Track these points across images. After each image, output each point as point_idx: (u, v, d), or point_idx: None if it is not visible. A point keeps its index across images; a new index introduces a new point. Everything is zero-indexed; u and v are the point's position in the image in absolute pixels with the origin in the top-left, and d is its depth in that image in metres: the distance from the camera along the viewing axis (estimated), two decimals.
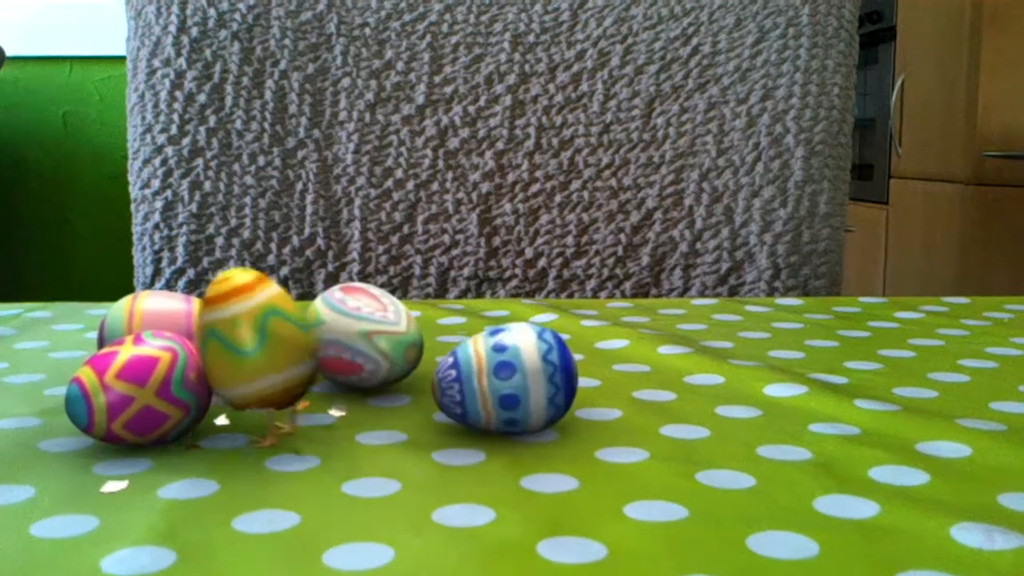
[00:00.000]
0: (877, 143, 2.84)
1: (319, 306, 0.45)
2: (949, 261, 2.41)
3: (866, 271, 2.91)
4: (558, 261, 0.88)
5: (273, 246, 0.85)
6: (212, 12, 0.85)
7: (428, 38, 0.87)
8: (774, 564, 0.28)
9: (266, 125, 0.86)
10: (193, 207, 0.85)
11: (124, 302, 0.47)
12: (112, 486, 0.34)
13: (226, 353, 0.36)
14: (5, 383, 0.48)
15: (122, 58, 2.22)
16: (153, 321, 0.46)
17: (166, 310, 0.47)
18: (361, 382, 0.45)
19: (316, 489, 0.34)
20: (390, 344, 0.44)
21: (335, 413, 0.43)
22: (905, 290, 2.64)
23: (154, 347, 0.37)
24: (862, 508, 0.32)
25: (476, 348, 0.39)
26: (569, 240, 0.87)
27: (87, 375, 0.36)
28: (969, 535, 0.30)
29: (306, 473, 0.35)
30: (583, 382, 0.48)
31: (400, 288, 0.87)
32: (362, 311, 0.45)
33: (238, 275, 0.36)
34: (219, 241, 0.85)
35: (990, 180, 2.31)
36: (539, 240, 0.88)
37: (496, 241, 0.87)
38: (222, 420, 0.42)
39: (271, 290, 0.36)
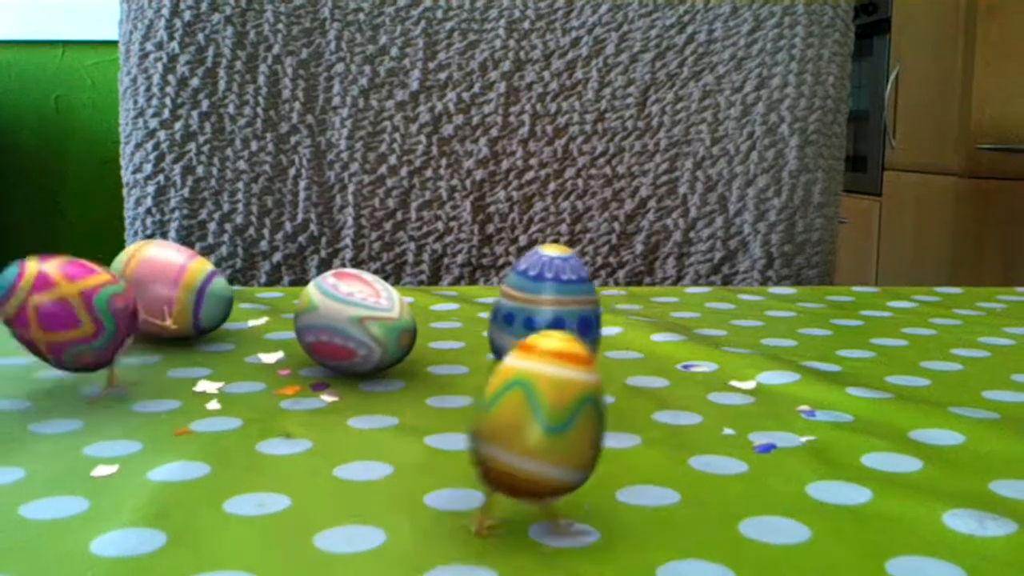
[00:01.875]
0: (871, 135, 2.84)
1: (312, 291, 0.45)
2: (942, 253, 2.41)
3: (859, 262, 2.91)
4: None
5: (266, 232, 0.85)
6: None
7: (423, 24, 0.87)
8: (766, 548, 0.28)
9: (259, 110, 0.85)
10: (185, 192, 0.84)
11: (131, 247, 0.49)
12: (102, 470, 0.34)
13: (526, 412, 0.28)
14: None
15: (114, 42, 2.21)
16: (147, 267, 0.48)
17: (161, 259, 0.48)
18: (354, 367, 0.45)
19: (307, 472, 0.34)
20: (383, 330, 0.44)
21: (327, 398, 0.43)
22: (898, 282, 2.64)
23: (101, 270, 0.40)
24: (854, 494, 0.32)
25: None
26: (563, 228, 0.87)
27: (33, 261, 0.38)
28: (961, 521, 0.30)
29: (297, 456, 0.35)
30: None
31: (393, 275, 0.87)
32: (355, 297, 0.45)
33: (571, 340, 0.29)
34: (211, 226, 0.85)
35: (984, 173, 2.31)
36: (533, 228, 0.87)
37: (490, 228, 0.87)
38: (214, 405, 0.42)
39: (597, 374, 0.29)
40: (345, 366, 0.45)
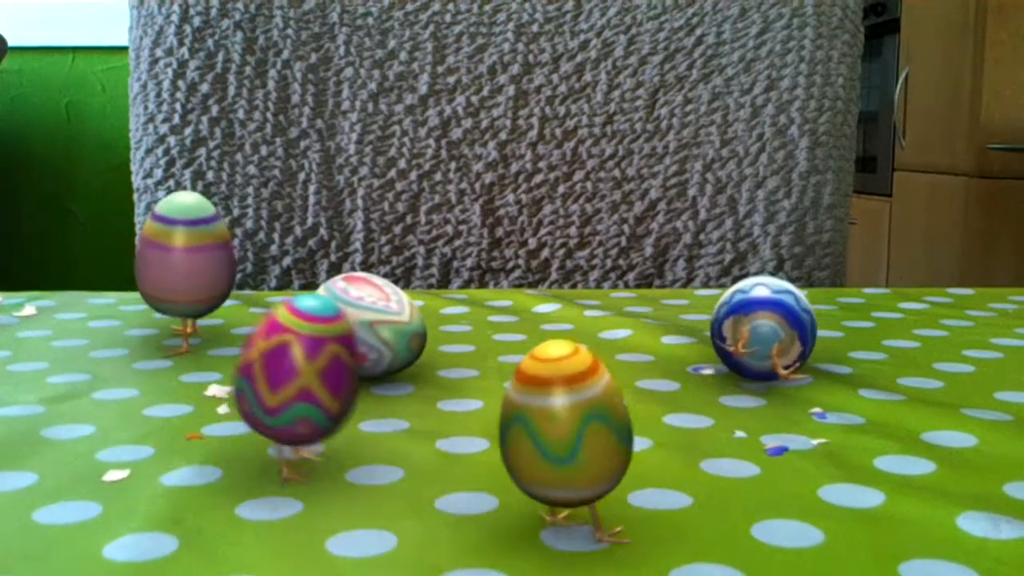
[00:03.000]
0: (881, 136, 2.83)
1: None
2: (952, 254, 2.40)
3: (869, 264, 2.90)
4: (561, 252, 0.87)
5: (276, 236, 0.85)
6: (215, 1, 0.85)
7: (431, 27, 0.87)
8: (779, 552, 0.28)
9: (269, 115, 0.85)
10: None
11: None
12: (114, 475, 0.34)
13: (531, 448, 0.28)
14: (8, 371, 0.47)
15: (124, 48, 2.22)
16: None
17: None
18: (364, 371, 0.45)
19: (319, 476, 0.34)
20: (393, 334, 0.44)
21: None
22: (908, 283, 2.63)
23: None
24: (867, 497, 0.32)
25: None
26: (572, 231, 0.87)
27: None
28: (975, 524, 0.30)
29: (309, 461, 0.35)
30: None
31: (403, 278, 0.87)
32: (365, 301, 0.45)
33: (567, 356, 0.28)
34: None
35: (994, 173, 2.30)
36: (542, 231, 0.87)
37: (499, 231, 0.87)
38: (224, 409, 0.42)
39: (600, 384, 0.28)
40: None
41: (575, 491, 0.28)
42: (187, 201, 0.52)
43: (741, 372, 0.45)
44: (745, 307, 0.44)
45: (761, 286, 0.45)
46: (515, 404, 0.28)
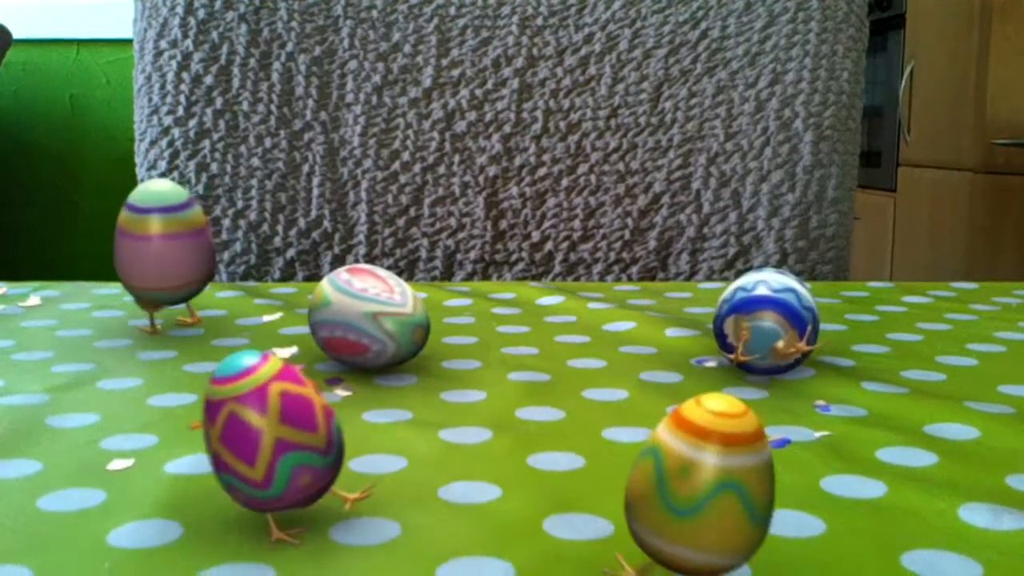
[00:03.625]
0: (885, 130, 2.82)
1: (326, 287, 0.45)
2: (957, 249, 2.40)
3: (874, 259, 2.90)
4: (565, 245, 0.87)
5: (279, 228, 0.85)
6: None
7: (435, 21, 0.87)
8: (781, 542, 0.28)
9: (273, 107, 0.85)
10: (200, 189, 0.85)
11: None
12: (118, 464, 0.34)
13: (661, 503, 0.25)
14: (13, 360, 0.48)
15: (129, 41, 2.22)
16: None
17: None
18: (367, 362, 0.45)
19: None
20: (397, 325, 0.44)
21: (341, 392, 0.43)
22: (912, 278, 2.63)
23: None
24: (869, 488, 0.32)
25: None
26: (576, 224, 0.87)
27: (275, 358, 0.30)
28: (977, 515, 0.30)
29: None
30: (588, 363, 0.48)
31: (406, 271, 0.87)
32: (369, 292, 0.45)
33: (741, 415, 0.24)
34: (225, 223, 0.85)
35: (999, 168, 2.30)
36: (546, 224, 0.87)
37: (503, 224, 0.87)
38: None
39: (759, 456, 0.24)
40: (359, 361, 0.45)
41: (684, 548, 0.24)
42: (161, 188, 0.52)
43: (745, 368, 0.45)
44: (746, 306, 0.44)
45: (763, 284, 0.45)
46: (657, 438, 0.25)
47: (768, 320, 0.44)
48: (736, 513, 0.24)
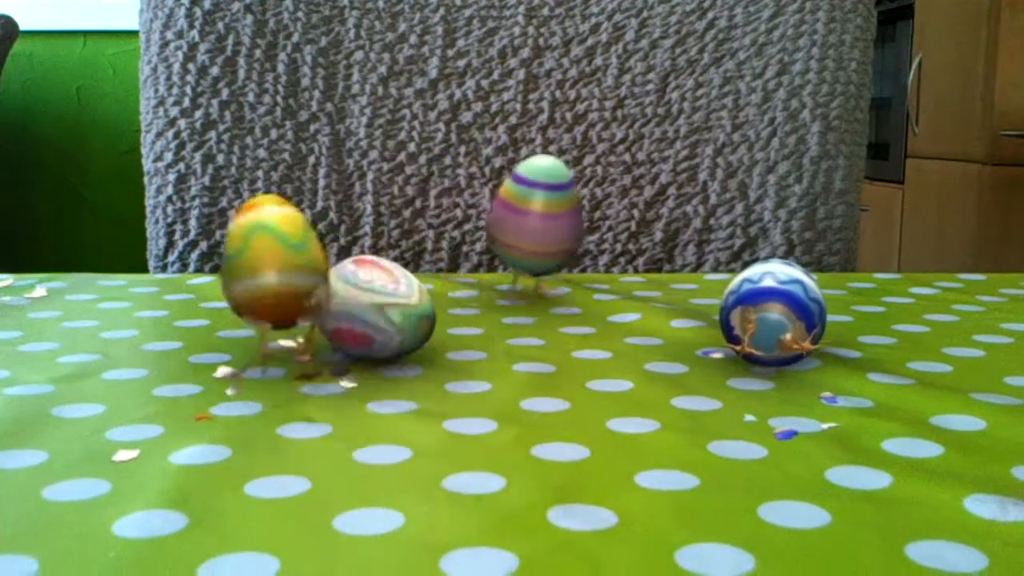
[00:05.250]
0: (893, 122, 2.81)
1: (331, 279, 0.45)
2: (964, 241, 2.39)
3: (881, 251, 2.89)
4: None
5: None
6: None
7: (441, 11, 0.87)
8: (785, 533, 0.28)
9: (279, 98, 0.85)
10: (206, 180, 0.85)
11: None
12: (123, 455, 0.34)
13: (225, 257, 0.42)
14: (19, 351, 0.48)
15: (135, 32, 2.22)
16: None
17: None
18: (372, 353, 0.45)
19: (327, 456, 0.34)
20: (402, 316, 0.44)
21: (346, 383, 0.43)
22: (920, 270, 2.62)
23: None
24: (875, 479, 0.32)
25: None
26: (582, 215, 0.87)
27: None
28: (983, 506, 0.30)
29: (317, 440, 0.36)
30: (593, 354, 0.48)
31: (412, 262, 0.87)
32: (374, 283, 0.45)
33: (262, 199, 0.42)
34: (232, 214, 0.85)
35: (1007, 160, 2.29)
36: None
37: None
38: (232, 391, 0.42)
39: (273, 212, 0.42)
40: (364, 352, 0.45)
41: (249, 281, 0.41)
42: (546, 164, 0.57)
43: (751, 359, 0.45)
44: (752, 297, 0.44)
45: (769, 275, 0.45)
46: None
47: (775, 312, 0.44)
48: (268, 239, 0.41)
